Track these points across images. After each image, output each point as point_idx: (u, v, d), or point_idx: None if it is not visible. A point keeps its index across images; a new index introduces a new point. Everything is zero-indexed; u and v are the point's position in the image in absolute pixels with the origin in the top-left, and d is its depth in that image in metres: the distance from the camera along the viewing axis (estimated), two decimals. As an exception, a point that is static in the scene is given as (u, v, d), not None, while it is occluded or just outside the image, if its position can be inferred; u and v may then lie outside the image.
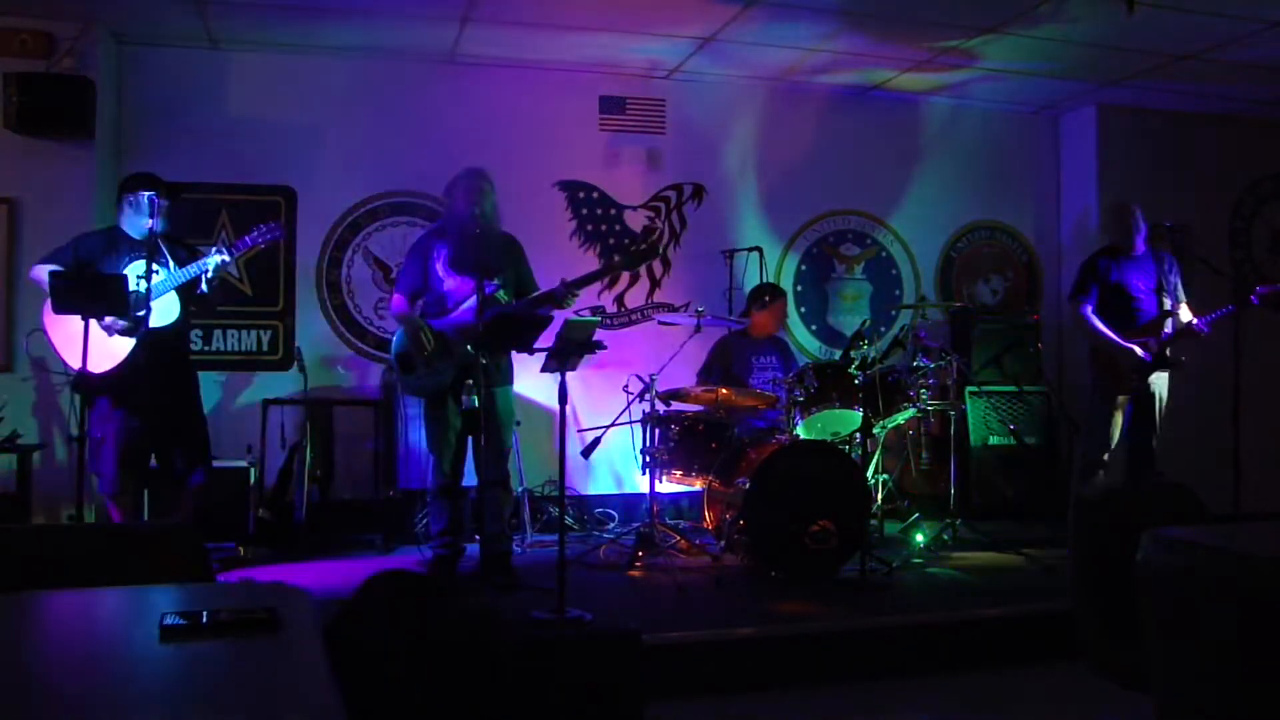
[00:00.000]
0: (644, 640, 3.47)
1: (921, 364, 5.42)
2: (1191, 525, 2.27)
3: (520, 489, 5.64)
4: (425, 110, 6.27)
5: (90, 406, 4.25)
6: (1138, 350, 5.33)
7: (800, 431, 5.18)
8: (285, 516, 5.53)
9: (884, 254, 7.17)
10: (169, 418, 4.54)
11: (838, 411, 5.16)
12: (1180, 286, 5.51)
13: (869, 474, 5.32)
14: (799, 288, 6.99)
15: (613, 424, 5.50)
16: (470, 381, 4.53)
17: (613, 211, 6.66)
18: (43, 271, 4.29)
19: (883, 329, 6.94)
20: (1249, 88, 6.59)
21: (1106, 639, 2.40)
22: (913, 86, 6.81)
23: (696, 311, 5.40)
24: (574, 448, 5.56)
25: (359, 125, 6.18)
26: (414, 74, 6.24)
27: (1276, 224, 7.57)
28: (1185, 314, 5.41)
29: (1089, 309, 5.47)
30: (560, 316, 4.20)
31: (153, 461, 4.62)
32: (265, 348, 6.08)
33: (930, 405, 5.40)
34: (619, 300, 6.65)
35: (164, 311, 4.36)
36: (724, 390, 5.26)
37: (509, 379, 4.78)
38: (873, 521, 5.42)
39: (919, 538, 5.37)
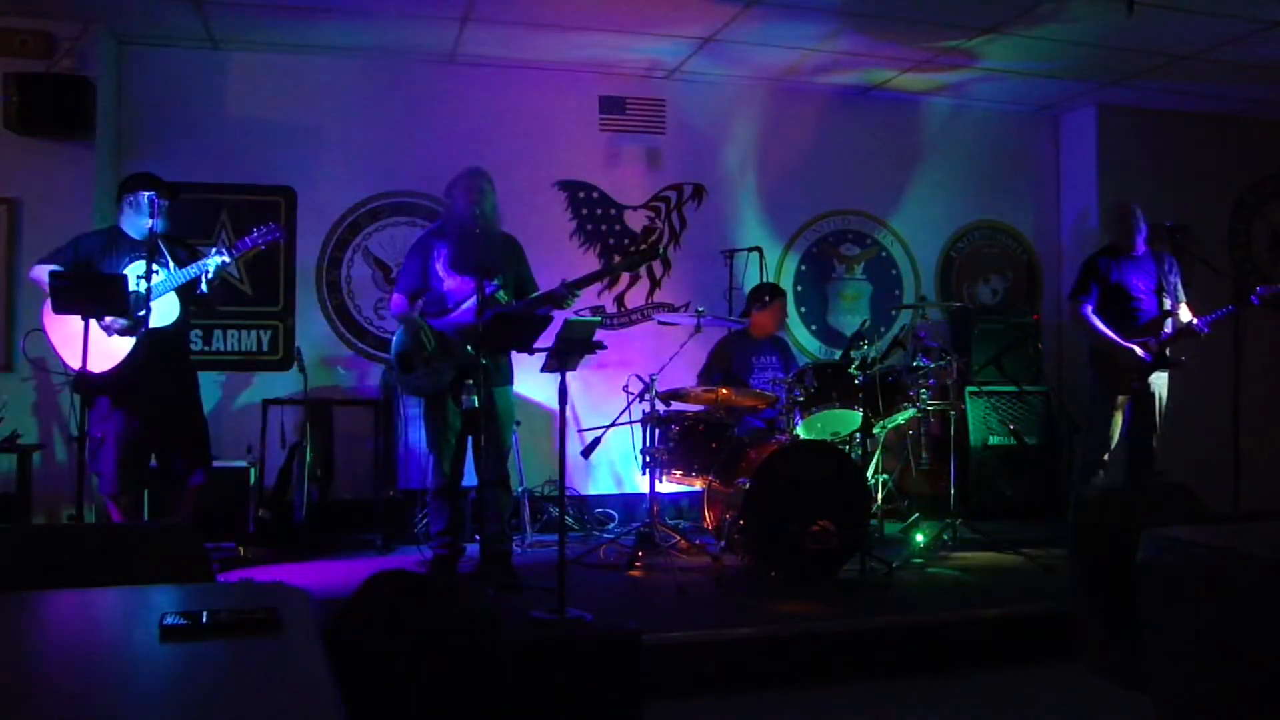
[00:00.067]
0: (644, 640, 3.47)
1: (921, 364, 5.41)
2: (1191, 525, 2.27)
3: (520, 489, 5.64)
4: (425, 110, 6.27)
5: (90, 406, 4.25)
6: (1138, 350, 5.33)
7: (800, 431, 5.17)
8: (285, 516, 5.54)
9: (884, 254, 7.17)
10: (169, 418, 4.54)
11: (838, 411, 5.16)
12: (1180, 286, 5.51)
13: (869, 474, 5.33)
14: (799, 288, 6.98)
15: (613, 424, 5.49)
16: (470, 381, 4.53)
17: (613, 211, 6.66)
18: (43, 271, 4.29)
19: (883, 329, 6.96)
20: (1249, 88, 6.59)
21: (1106, 639, 2.40)
22: (913, 86, 6.81)
23: (696, 311, 5.40)
24: (574, 448, 5.57)
25: (359, 125, 6.18)
26: (414, 74, 6.24)
27: (1276, 224, 7.56)
28: (1185, 314, 5.41)
29: (1089, 309, 5.46)
30: (560, 317, 4.19)
31: (153, 461, 4.63)
32: (265, 348, 6.08)
33: (930, 405, 5.40)
34: (619, 300, 6.64)
35: (164, 312, 4.36)
36: (724, 390, 5.26)
37: (509, 379, 4.78)
38: (873, 521, 5.41)
39: (919, 538, 5.38)
